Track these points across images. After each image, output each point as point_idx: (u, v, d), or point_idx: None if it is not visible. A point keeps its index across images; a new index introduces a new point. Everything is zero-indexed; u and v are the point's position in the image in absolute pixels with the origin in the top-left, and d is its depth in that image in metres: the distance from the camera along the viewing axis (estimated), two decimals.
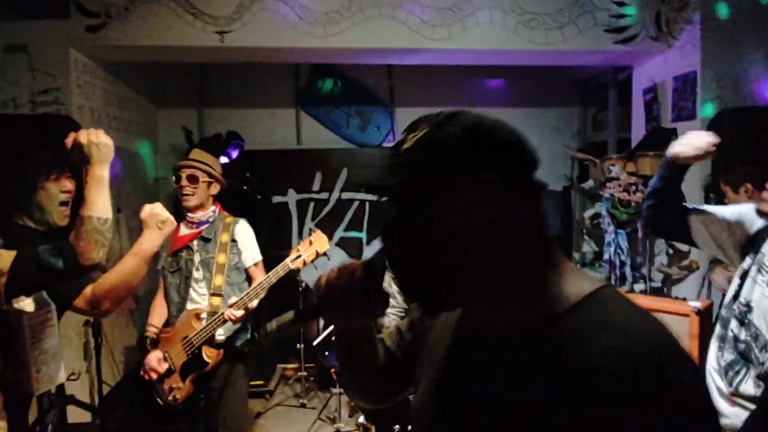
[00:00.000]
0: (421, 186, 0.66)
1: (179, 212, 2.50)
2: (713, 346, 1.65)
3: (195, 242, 2.48)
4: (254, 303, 2.34)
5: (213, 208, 2.55)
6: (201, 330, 2.33)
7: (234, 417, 2.51)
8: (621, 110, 4.24)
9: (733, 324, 1.57)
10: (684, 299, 2.65)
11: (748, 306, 1.53)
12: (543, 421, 0.60)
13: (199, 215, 2.50)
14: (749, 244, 1.59)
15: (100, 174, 1.61)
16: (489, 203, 0.64)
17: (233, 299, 2.31)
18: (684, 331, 2.53)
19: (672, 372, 0.57)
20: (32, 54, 3.01)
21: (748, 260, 1.58)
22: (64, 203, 1.61)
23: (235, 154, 4.04)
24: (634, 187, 3.23)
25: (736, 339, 1.54)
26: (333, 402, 3.59)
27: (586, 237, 4.04)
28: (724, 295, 2.00)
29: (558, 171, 4.85)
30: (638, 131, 3.77)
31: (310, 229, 4.45)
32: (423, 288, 0.69)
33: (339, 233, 4.55)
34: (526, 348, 0.64)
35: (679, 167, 1.74)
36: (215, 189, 2.52)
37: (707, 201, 3.18)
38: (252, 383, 3.75)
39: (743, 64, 3.23)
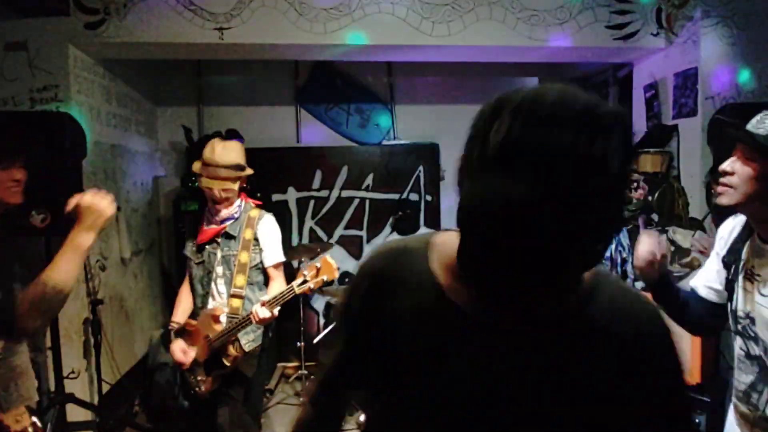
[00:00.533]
0: None
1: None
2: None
3: (219, 238, 2.40)
4: (276, 311, 2.25)
5: (239, 201, 2.44)
6: (220, 333, 2.29)
7: (243, 417, 2.47)
8: (621, 107, 4.23)
9: (740, 341, 1.42)
10: None
11: (749, 317, 1.38)
12: (605, 398, 0.68)
13: (224, 213, 2.38)
14: (729, 254, 1.46)
15: (81, 241, 1.47)
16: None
17: (264, 299, 2.25)
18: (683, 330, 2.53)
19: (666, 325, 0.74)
20: (32, 51, 3.00)
21: (730, 270, 1.45)
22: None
23: None
24: (635, 184, 3.22)
25: (748, 356, 1.38)
26: None
27: None
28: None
29: None
30: (639, 128, 3.76)
31: (300, 236, 4.46)
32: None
33: (339, 231, 4.54)
34: (570, 329, 0.69)
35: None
36: (242, 182, 2.42)
37: (708, 199, 3.17)
38: None
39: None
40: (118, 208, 3.64)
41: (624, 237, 3.31)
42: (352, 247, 4.54)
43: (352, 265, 4.43)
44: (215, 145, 2.37)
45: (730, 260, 1.44)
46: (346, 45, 3.26)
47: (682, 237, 3.24)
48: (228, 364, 2.33)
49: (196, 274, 2.48)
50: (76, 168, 2.91)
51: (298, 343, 4.00)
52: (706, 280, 1.53)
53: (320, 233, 4.52)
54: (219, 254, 2.40)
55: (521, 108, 0.59)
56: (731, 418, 1.47)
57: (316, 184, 4.48)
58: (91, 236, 1.49)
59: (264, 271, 2.45)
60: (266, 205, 4.35)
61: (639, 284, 3.40)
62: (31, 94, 3.03)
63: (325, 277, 2.25)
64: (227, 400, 2.44)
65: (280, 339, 4.29)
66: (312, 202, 4.49)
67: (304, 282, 2.23)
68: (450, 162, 4.64)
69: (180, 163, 4.37)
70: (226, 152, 2.35)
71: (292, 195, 4.47)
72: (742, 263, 1.41)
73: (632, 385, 0.69)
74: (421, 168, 4.50)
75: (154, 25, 3.07)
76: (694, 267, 3.25)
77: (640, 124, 3.76)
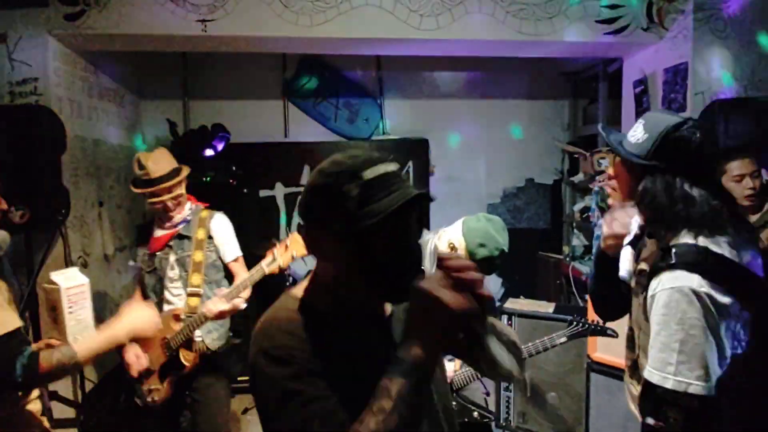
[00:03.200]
0: None
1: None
2: None
3: (172, 241, 2.39)
4: (242, 305, 2.24)
5: (189, 204, 2.44)
6: (179, 332, 2.25)
7: (212, 420, 2.42)
8: (612, 103, 4.21)
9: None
10: None
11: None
12: None
13: (177, 218, 2.39)
14: (633, 238, 1.50)
15: (118, 339, 1.63)
16: None
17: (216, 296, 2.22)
18: None
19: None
20: (10, 43, 2.92)
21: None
22: None
23: (220, 146, 3.97)
24: None
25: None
26: None
27: (575, 231, 4.02)
28: None
29: (548, 164, 4.83)
30: (628, 124, 3.73)
31: (288, 231, 4.41)
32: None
33: None
34: None
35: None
36: (183, 188, 2.38)
37: None
38: (240, 378, 3.71)
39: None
40: (101, 204, 3.59)
41: None
42: None
43: None
44: (144, 161, 2.31)
45: (633, 243, 1.49)
46: (333, 38, 3.20)
47: None
48: (187, 363, 2.29)
49: (148, 283, 2.44)
50: (55, 163, 2.85)
51: None
52: (623, 261, 1.55)
53: None
54: (172, 258, 2.39)
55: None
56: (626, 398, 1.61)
57: (304, 179, 4.43)
58: (127, 339, 1.65)
59: (224, 269, 2.46)
60: (254, 201, 4.34)
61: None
62: (11, 87, 2.95)
63: (294, 253, 2.24)
64: (193, 404, 2.41)
65: None
66: (300, 198, 4.43)
67: (273, 261, 2.23)
68: (439, 157, 4.60)
69: None
70: (158, 163, 2.31)
71: (279, 191, 4.42)
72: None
73: None
74: (410, 163, 4.46)
75: (135, 17, 3.00)
76: None
77: (630, 120, 3.74)
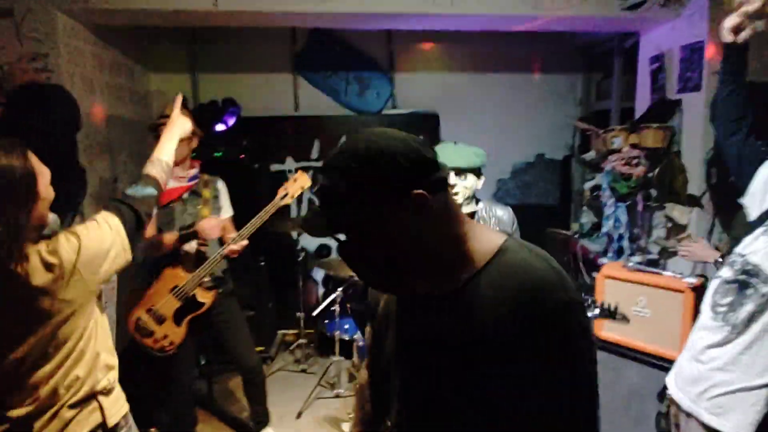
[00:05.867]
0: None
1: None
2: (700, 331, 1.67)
3: (186, 195, 2.68)
4: (234, 246, 2.58)
5: (195, 165, 2.74)
6: (190, 279, 2.55)
7: (240, 332, 2.85)
8: (626, 79, 4.15)
9: (727, 273, 1.61)
10: (680, 274, 2.68)
11: (744, 256, 1.57)
12: (478, 352, 0.84)
13: (188, 171, 2.68)
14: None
15: (174, 134, 1.96)
16: (406, 214, 0.83)
17: (231, 237, 2.59)
18: (678, 306, 2.57)
19: (554, 294, 0.80)
20: (18, 18, 2.89)
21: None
22: None
23: (231, 121, 3.97)
24: (635, 161, 3.20)
25: (733, 281, 1.58)
26: (333, 368, 3.67)
27: (585, 208, 4.03)
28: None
29: (559, 139, 4.80)
30: (643, 101, 3.70)
31: (299, 206, 4.45)
32: (384, 278, 0.91)
33: None
34: (454, 300, 0.88)
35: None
36: (195, 143, 2.68)
37: (708, 177, 3.16)
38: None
39: None
40: (115, 180, 3.62)
41: (622, 213, 3.32)
42: None
43: None
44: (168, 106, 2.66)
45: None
46: (345, 13, 3.15)
47: (680, 214, 3.25)
48: (206, 301, 2.60)
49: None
50: (71, 142, 2.87)
51: (298, 314, 4.06)
52: None
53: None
54: (186, 212, 2.70)
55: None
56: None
57: (314, 153, 4.44)
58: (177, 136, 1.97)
59: None
60: (265, 176, 4.36)
61: (636, 258, 3.43)
62: (21, 64, 2.94)
63: (302, 185, 2.64)
64: (218, 324, 2.76)
65: (279, 308, 4.36)
66: (310, 173, 4.45)
67: (285, 195, 2.61)
68: (450, 132, 4.58)
69: None
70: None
71: (290, 165, 4.43)
72: None
73: (519, 344, 0.81)
74: (421, 138, 4.44)
75: None
76: None
77: (644, 97, 3.70)
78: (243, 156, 3.97)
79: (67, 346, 1.45)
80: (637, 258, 3.40)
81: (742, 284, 1.55)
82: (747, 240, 1.60)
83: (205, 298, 2.62)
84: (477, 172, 2.12)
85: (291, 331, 4.48)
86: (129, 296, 2.60)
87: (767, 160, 1.66)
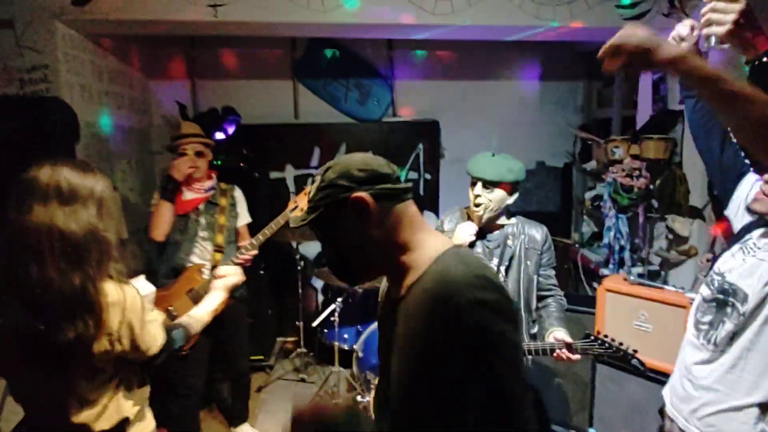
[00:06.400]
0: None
1: (169, 183, 2.68)
2: (687, 348, 1.67)
3: (202, 206, 2.79)
4: (255, 251, 2.72)
5: (212, 175, 2.86)
6: (207, 281, 2.61)
7: (245, 350, 3.03)
8: (627, 87, 4.13)
9: (706, 292, 1.60)
10: (682, 288, 2.67)
11: (722, 275, 1.55)
12: (416, 350, 0.92)
13: (206, 184, 2.81)
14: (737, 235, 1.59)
15: (220, 300, 1.86)
16: (361, 218, 0.98)
17: (245, 242, 2.75)
18: (680, 321, 2.56)
19: (462, 294, 0.86)
20: (18, 30, 2.88)
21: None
22: None
23: (231, 129, 3.96)
24: (637, 172, 3.19)
25: (711, 300, 1.57)
26: (332, 378, 3.66)
27: (585, 217, 4.02)
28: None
29: (560, 146, 4.79)
30: (644, 110, 3.69)
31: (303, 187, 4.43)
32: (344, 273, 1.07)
33: None
34: (402, 302, 0.99)
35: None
36: (210, 155, 2.85)
37: (710, 189, 3.14)
38: (252, 357, 3.81)
39: None
40: (115, 188, 3.60)
41: (623, 225, 3.31)
42: None
43: None
44: (185, 124, 2.90)
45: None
46: (345, 23, 3.14)
47: (681, 225, 3.24)
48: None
49: (179, 242, 2.75)
50: (70, 154, 2.85)
51: (297, 323, 4.05)
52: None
53: None
54: (203, 221, 2.80)
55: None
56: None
57: (314, 161, 4.42)
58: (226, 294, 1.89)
59: (234, 232, 2.94)
60: (264, 183, 4.35)
61: (637, 269, 3.43)
62: (21, 75, 2.92)
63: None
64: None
65: (279, 316, 4.34)
66: (310, 180, 4.44)
67: (296, 207, 2.70)
68: (450, 139, 4.57)
69: None
70: (195, 128, 2.88)
71: (290, 172, 4.41)
72: (746, 239, 1.59)
73: (434, 342, 0.89)
74: (420, 145, 4.43)
75: (144, 2, 2.94)
76: (691, 255, 3.27)
77: (645, 106, 3.69)
78: (243, 164, 3.95)
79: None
80: (639, 269, 3.40)
81: (721, 303, 1.54)
82: (724, 257, 1.59)
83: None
84: (510, 186, 2.06)
85: (290, 339, 4.47)
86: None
87: (747, 172, 1.63)
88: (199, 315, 1.75)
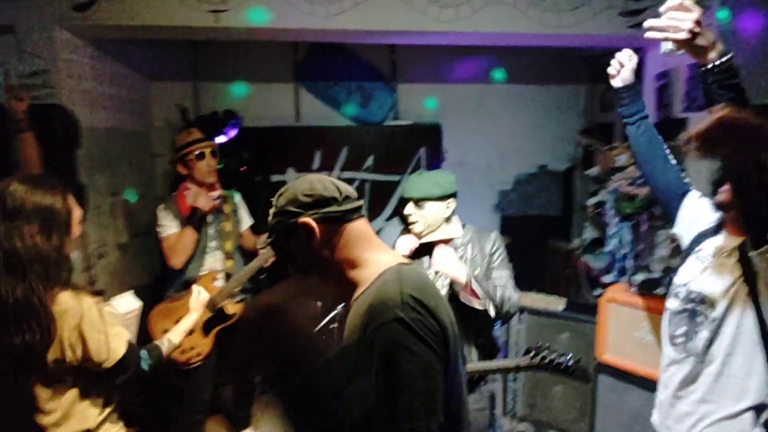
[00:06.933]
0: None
1: (195, 214, 2.70)
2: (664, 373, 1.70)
3: (209, 216, 2.82)
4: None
5: (218, 184, 2.90)
6: (221, 290, 2.62)
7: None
8: None
9: (674, 304, 1.65)
10: None
11: (685, 285, 1.63)
12: (356, 363, 1.00)
13: (215, 193, 2.83)
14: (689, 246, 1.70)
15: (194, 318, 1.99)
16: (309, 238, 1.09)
17: (262, 248, 2.74)
18: None
19: (386, 311, 0.98)
20: (19, 35, 2.85)
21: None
22: None
23: (233, 133, 3.93)
24: (640, 180, 3.17)
25: (681, 311, 1.63)
26: None
27: (587, 223, 4.01)
28: None
29: (562, 150, 4.77)
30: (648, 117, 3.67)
31: None
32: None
33: None
34: (348, 313, 1.10)
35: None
36: (215, 163, 2.88)
37: (714, 197, 3.13)
38: None
39: None
40: (115, 193, 3.59)
41: (627, 233, 3.30)
42: None
43: None
44: (195, 129, 2.99)
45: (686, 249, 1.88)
46: (348, 29, 3.11)
47: None
48: (234, 313, 2.68)
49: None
50: (71, 161, 2.84)
51: None
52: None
53: None
54: (211, 230, 2.82)
55: None
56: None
57: (315, 164, 4.40)
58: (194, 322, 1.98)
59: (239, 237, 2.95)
60: (265, 187, 4.33)
61: (639, 277, 3.42)
62: (21, 80, 2.90)
63: None
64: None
65: None
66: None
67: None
68: (452, 142, 4.55)
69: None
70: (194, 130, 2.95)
71: (291, 176, 4.39)
72: (697, 251, 1.74)
73: (357, 348, 1.00)
74: (423, 149, 4.41)
75: (146, 7, 2.91)
76: None
77: (649, 113, 3.64)
78: (245, 168, 3.94)
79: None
80: (640, 276, 3.39)
81: (691, 313, 1.58)
82: (682, 269, 1.66)
83: (234, 309, 2.70)
84: (441, 200, 2.11)
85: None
86: (158, 308, 2.61)
87: (689, 191, 1.76)
88: (174, 337, 1.80)
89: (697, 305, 1.56)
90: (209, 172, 2.79)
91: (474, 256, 2.15)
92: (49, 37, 2.89)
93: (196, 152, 2.78)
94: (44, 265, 1.39)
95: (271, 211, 1.13)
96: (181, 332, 1.85)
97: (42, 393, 1.46)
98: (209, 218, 2.81)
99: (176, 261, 2.67)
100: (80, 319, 1.42)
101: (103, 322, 1.48)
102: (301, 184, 1.13)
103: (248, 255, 3.08)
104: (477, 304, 2.03)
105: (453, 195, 2.16)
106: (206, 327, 2.64)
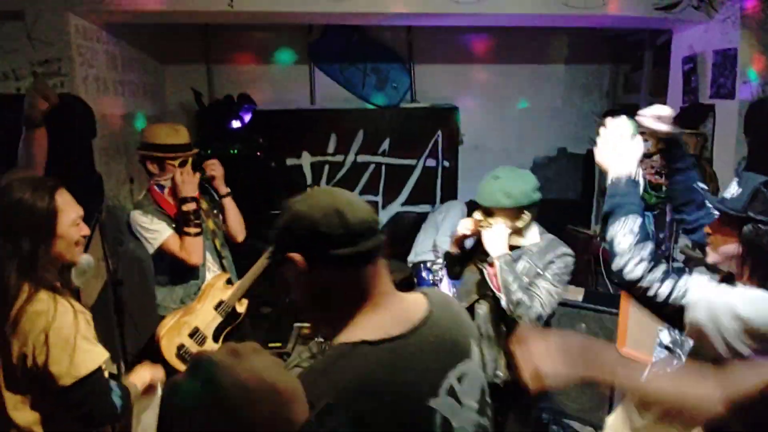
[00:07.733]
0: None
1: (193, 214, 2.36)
2: None
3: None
4: None
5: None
6: (234, 292, 2.41)
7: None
8: (655, 72, 3.97)
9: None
10: None
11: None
12: None
13: (196, 177, 2.35)
14: None
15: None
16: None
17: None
18: None
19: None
20: (29, 21, 2.80)
21: None
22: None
23: (247, 117, 3.89)
24: (666, 170, 3.08)
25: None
26: None
27: None
28: None
29: (583, 133, 4.65)
30: (674, 100, 3.55)
31: None
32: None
33: None
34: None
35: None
36: (197, 178, 2.37)
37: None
38: (270, 345, 3.86)
39: None
40: (131, 180, 3.58)
41: (649, 223, 3.22)
42: None
43: None
44: (166, 129, 2.39)
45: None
46: (363, 13, 3.01)
47: None
48: (242, 310, 2.49)
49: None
50: (87, 151, 2.82)
51: None
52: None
53: None
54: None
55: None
56: None
57: (331, 148, 4.35)
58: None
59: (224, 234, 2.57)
60: (280, 171, 4.30)
61: (661, 267, 3.37)
62: (33, 68, 2.86)
63: None
64: None
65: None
66: (327, 167, 4.37)
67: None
68: (469, 125, 4.45)
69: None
70: (184, 133, 2.40)
71: (306, 159, 4.35)
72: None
73: None
74: (439, 132, 4.33)
75: None
76: None
77: (675, 97, 3.54)
78: (259, 154, 3.90)
79: None
80: (663, 266, 3.33)
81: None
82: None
83: (242, 306, 2.50)
84: (511, 212, 1.92)
85: (307, 324, 4.50)
86: (168, 325, 2.38)
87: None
88: (139, 386, 1.65)
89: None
90: (189, 184, 2.31)
91: (534, 262, 1.98)
92: (61, 24, 2.84)
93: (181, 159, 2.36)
94: (20, 262, 1.37)
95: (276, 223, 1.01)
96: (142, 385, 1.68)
97: (9, 398, 1.41)
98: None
99: (196, 258, 2.35)
100: (50, 322, 1.36)
101: (75, 332, 1.38)
102: (306, 208, 0.95)
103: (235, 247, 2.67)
104: (494, 289, 1.92)
105: (528, 206, 1.93)
106: (216, 333, 2.43)
